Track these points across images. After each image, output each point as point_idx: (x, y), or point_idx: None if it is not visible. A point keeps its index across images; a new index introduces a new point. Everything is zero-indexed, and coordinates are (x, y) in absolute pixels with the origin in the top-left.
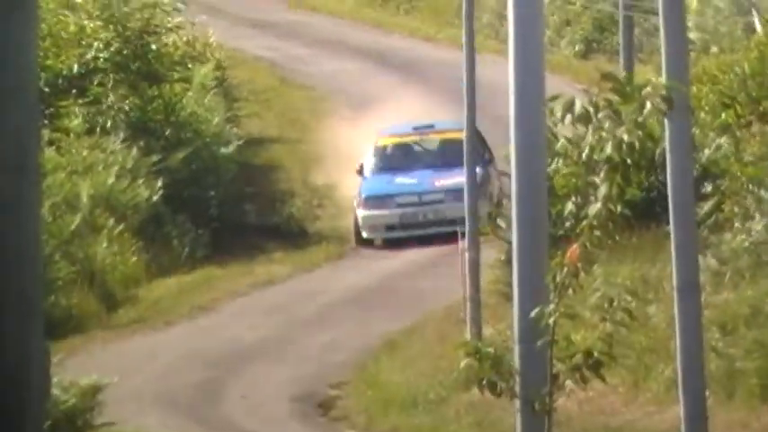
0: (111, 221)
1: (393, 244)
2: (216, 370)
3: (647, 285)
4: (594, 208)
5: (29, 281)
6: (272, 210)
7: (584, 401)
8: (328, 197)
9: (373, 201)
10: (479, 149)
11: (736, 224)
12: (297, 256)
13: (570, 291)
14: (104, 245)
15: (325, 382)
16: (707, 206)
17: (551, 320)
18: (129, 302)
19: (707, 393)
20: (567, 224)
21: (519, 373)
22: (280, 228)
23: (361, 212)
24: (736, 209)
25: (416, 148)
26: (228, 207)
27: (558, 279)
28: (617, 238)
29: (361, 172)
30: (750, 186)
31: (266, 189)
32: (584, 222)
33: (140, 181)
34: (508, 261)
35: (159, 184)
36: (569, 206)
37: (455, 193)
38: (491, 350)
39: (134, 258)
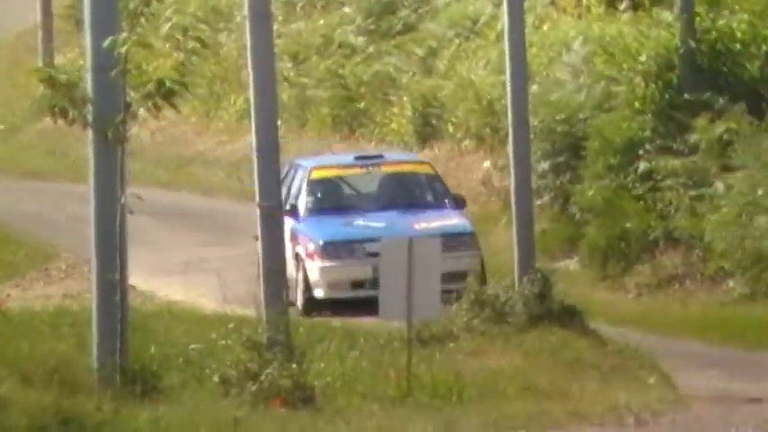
0: None
1: None
2: None
3: (218, 14)
4: None
5: None
6: None
7: (157, 131)
8: None
9: (334, 248)
10: (443, 187)
11: None
12: None
13: (143, 19)
14: None
15: None
16: None
17: (124, 49)
18: None
19: (279, 123)
20: None
21: (92, 102)
22: None
23: (318, 264)
24: None
25: (365, 182)
26: None
27: (130, 7)
28: None
29: (293, 212)
30: None
31: None
32: None
33: None
34: None
35: None
36: None
37: (444, 240)
38: (65, 77)
39: None
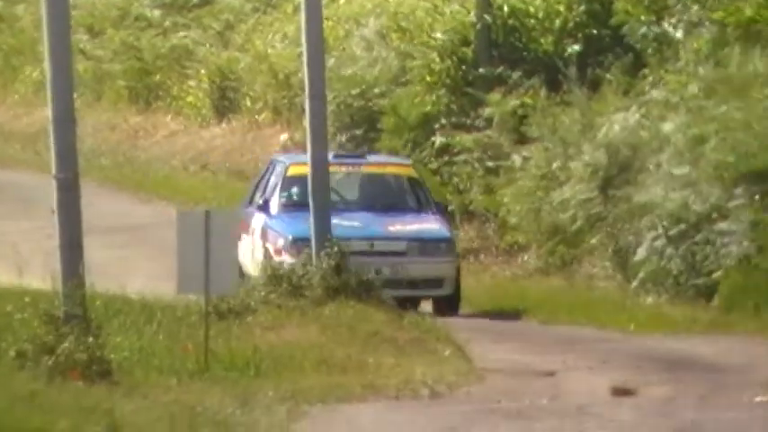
0: None
1: None
2: None
3: None
4: None
5: None
6: None
7: None
8: None
9: (303, 245)
10: (425, 192)
11: None
12: None
13: None
14: None
15: None
16: None
17: None
18: None
19: (74, 95)
20: None
21: None
22: None
23: (286, 260)
24: None
25: (343, 182)
26: None
27: None
28: None
29: (265, 208)
30: None
31: None
32: None
33: None
34: None
35: None
36: None
37: (419, 244)
38: None
39: None
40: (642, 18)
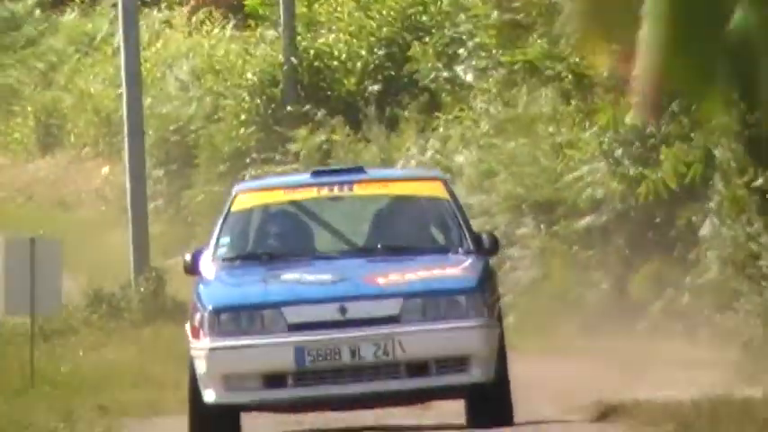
0: None
1: None
2: None
3: None
4: None
5: None
6: None
7: None
8: None
9: (233, 318)
10: (457, 220)
11: None
12: None
13: None
14: None
15: None
16: None
17: None
18: None
19: None
20: None
21: None
22: None
23: (206, 344)
24: None
25: (329, 213)
26: None
27: None
28: None
29: (193, 268)
30: None
31: None
32: None
33: None
34: None
35: None
36: None
37: (423, 301)
38: None
39: None
40: (430, 65)
